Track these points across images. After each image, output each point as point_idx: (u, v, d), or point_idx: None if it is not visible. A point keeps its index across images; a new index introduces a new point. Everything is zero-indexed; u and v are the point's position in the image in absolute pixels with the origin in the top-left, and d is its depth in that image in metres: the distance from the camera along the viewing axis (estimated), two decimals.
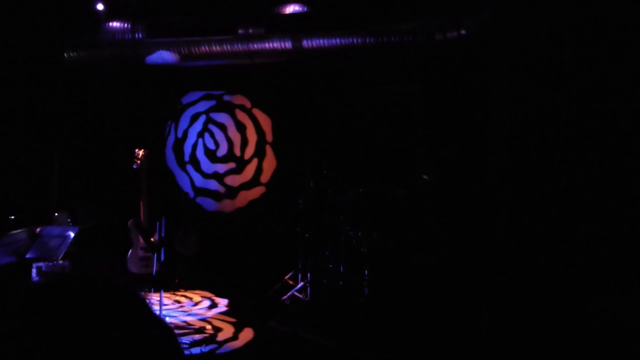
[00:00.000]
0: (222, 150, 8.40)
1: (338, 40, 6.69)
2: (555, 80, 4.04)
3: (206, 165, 8.47)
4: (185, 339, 5.06)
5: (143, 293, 6.54)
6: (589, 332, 3.79)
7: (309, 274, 6.16)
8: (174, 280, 6.87)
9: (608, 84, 4.03)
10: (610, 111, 4.12)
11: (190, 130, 8.51)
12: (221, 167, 8.42)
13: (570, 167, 3.97)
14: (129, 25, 7.21)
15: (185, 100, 8.47)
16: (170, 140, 8.57)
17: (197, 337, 5.17)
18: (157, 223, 6.15)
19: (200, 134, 8.47)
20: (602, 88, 4.03)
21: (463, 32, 6.12)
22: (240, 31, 6.96)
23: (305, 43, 6.80)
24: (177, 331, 5.30)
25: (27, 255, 4.79)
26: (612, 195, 3.99)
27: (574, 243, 3.96)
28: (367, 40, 6.63)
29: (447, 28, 6.22)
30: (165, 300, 6.23)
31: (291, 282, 6.47)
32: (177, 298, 6.54)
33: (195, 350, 4.81)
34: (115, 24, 7.25)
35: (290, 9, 6.95)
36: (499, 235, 4.21)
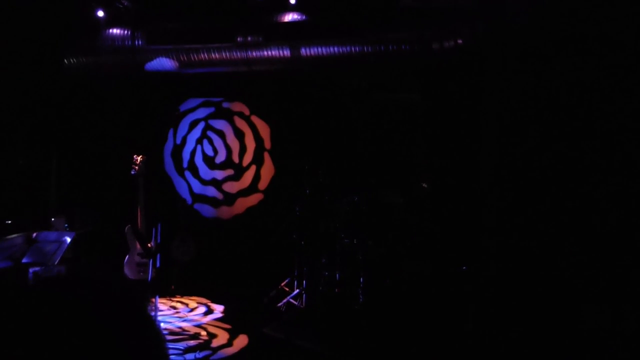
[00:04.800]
0: (221, 157, 8.43)
1: (336, 49, 6.73)
2: (546, 89, 4.08)
3: (204, 171, 8.50)
4: (180, 345, 5.07)
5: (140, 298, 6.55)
6: (580, 339, 3.80)
7: (304, 281, 6.17)
8: (170, 286, 6.89)
9: (597, 94, 4.07)
10: (600, 120, 4.16)
11: (189, 137, 8.54)
12: (219, 174, 8.45)
13: (562, 177, 4.00)
14: (129, 32, 7.26)
15: (184, 107, 8.51)
16: (169, 146, 8.61)
17: (192, 343, 5.17)
18: (154, 229, 6.18)
19: (199, 141, 8.50)
20: (591, 99, 4.07)
21: (459, 41, 6.16)
22: (239, 39, 7.01)
23: (304, 51, 6.84)
24: (171, 337, 5.31)
25: (23, 260, 4.80)
26: (605, 207, 4.02)
27: (564, 253, 3.99)
28: (365, 49, 6.67)
29: (443, 38, 6.27)
30: (161, 306, 6.24)
31: (287, 289, 6.48)
32: (173, 304, 6.55)
33: (190, 356, 4.81)
34: (115, 31, 7.30)
35: (289, 17, 7.00)
36: (490, 242, 4.23)
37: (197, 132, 8.51)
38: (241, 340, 5.29)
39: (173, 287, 6.93)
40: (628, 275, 4.00)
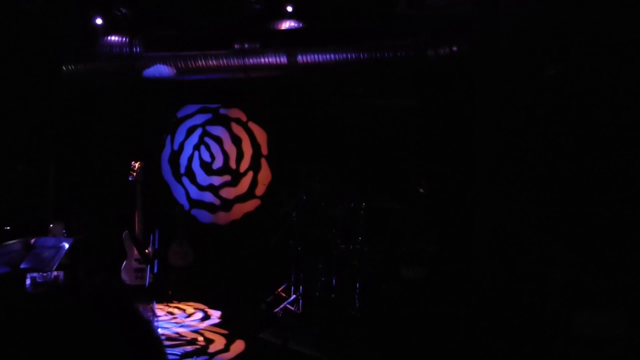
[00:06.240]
0: (218, 163, 8.47)
1: (332, 56, 6.79)
2: (540, 95, 4.13)
3: (202, 177, 8.53)
4: (177, 351, 5.09)
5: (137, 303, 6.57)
6: (571, 344, 3.85)
7: (301, 287, 6.19)
8: (168, 292, 6.91)
9: (591, 99, 4.12)
10: (598, 126, 4.22)
11: (187, 143, 8.58)
12: (217, 180, 8.49)
13: (556, 181, 4.05)
14: (127, 39, 7.31)
15: (182, 113, 8.55)
16: (167, 152, 8.64)
17: (189, 348, 5.19)
18: (152, 235, 6.20)
19: (197, 147, 8.54)
20: (585, 104, 4.13)
21: (454, 48, 6.23)
22: (236, 46, 7.06)
23: (300, 58, 6.90)
24: (169, 342, 5.32)
25: (22, 266, 4.83)
26: (595, 211, 4.07)
27: (556, 258, 4.03)
28: (361, 55, 6.74)
29: (439, 44, 6.33)
30: (159, 312, 6.26)
31: (284, 295, 6.51)
32: (170, 309, 6.56)
33: None
34: (114, 38, 7.35)
35: (286, 24, 7.06)
36: (483, 248, 4.27)
37: (194, 138, 8.55)
38: (238, 346, 5.31)
39: (170, 292, 6.95)
40: (620, 281, 4.04)
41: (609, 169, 4.09)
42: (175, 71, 7.31)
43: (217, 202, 8.47)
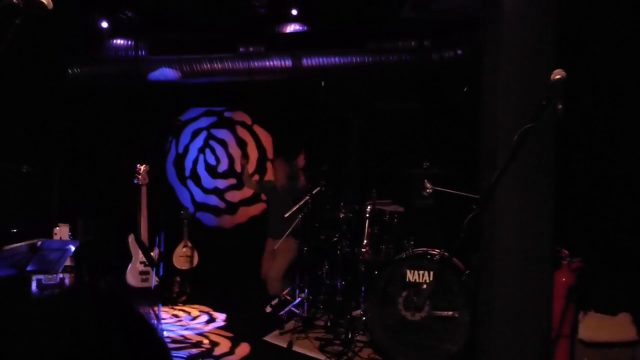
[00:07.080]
0: (223, 166, 8.49)
1: (337, 59, 6.82)
2: (545, 98, 4.11)
3: (207, 180, 8.55)
4: (182, 353, 5.09)
5: (142, 307, 6.58)
6: (576, 348, 3.84)
7: (306, 290, 6.19)
8: (173, 295, 6.92)
9: (596, 101, 4.12)
10: (597, 125, 4.21)
11: (192, 146, 8.61)
12: (222, 183, 8.51)
13: (561, 183, 4.04)
14: (132, 43, 7.34)
15: (187, 116, 8.58)
16: (172, 155, 8.67)
17: (194, 351, 5.20)
18: (157, 237, 6.20)
19: (202, 150, 8.57)
20: (590, 105, 4.12)
21: (459, 52, 6.23)
22: (241, 49, 7.09)
23: (305, 61, 6.92)
24: (174, 345, 5.33)
25: (28, 268, 4.84)
26: (601, 212, 4.06)
27: (561, 260, 4.02)
28: (366, 59, 6.75)
29: (443, 48, 6.34)
30: (164, 315, 6.27)
31: (289, 298, 6.51)
32: (175, 312, 6.57)
33: None
34: (119, 41, 7.38)
35: (291, 28, 7.09)
36: (488, 250, 4.26)
37: (199, 141, 8.57)
38: (243, 349, 5.31)
39: (175, 295, 6.97)
40: (627, 285, 4.03)
41: (617, 170, 4.08)
42: (180, 74, 7.34)
43: (222, 205, 8.49)
